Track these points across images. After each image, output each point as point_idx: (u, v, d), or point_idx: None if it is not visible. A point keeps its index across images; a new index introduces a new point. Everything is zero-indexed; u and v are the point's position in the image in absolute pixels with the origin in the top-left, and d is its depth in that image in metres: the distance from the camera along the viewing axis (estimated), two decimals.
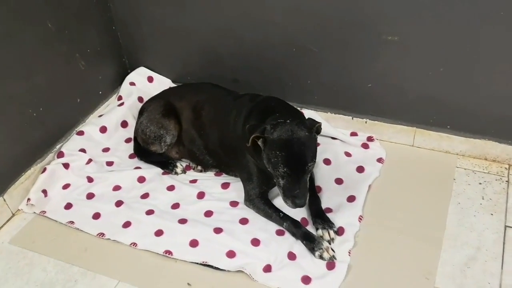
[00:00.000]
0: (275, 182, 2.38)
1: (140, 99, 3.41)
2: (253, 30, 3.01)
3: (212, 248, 2.48)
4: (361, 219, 2.57)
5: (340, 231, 2.51)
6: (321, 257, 2.37)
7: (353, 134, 3.14)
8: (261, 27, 2.97)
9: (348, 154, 2.98)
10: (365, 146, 3.02)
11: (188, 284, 2.34)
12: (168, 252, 2.48)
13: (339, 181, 2.81)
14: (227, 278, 2.35)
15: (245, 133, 2.39)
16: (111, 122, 3.25)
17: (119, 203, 2.77)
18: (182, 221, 2.63)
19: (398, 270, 2.32)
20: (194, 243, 2.51)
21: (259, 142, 2.32)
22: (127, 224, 2.65)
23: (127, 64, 3.60)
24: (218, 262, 2.40)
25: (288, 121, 2.29)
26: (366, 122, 3.05)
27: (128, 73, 3.49)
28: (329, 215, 2.58)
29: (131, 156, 3.11)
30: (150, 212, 2.70)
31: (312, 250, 2.38)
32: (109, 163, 3.06)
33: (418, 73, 2.76)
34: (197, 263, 2.43)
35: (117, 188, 2.88)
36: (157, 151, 2.94)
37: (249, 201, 2.62)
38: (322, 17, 2.78)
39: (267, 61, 3.10)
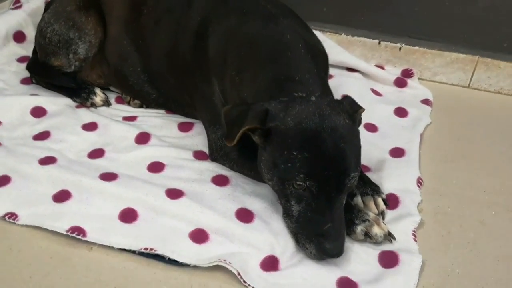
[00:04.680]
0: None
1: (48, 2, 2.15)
2: None
3: (162, 225, 1.30)
4: (420, 183, 1.47)
5: (391, 201, 1.39)
6: (367, 235, 1.27)
7: (378, 67, 2.04)
8: None
9: (376, 93, 1.90)
10: (400, 83, 1.96)
11: None
12: (78, 230, 1.27)
13: (371, 127, 1.72)
14: (191, 280, 1.19)
15: (213, 51, 1.43)
16: None
17: None
18: (108, 176, 1.43)
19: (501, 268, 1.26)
20: (128, 215, 1.33)
21: (255, 137, 1.23)
22: (2, 181, 1.42)
23: None
24: (175, 250, 1.24)
25: (313, 96, 1.23)
26: (400, 48, 1.99)
27: None
28: (367, 174, 1.46)
29: (24, 81, 1.87)
30: (47, 161, 1.48)
31: (351, 223, 1.27)
32: None
33: None
34: (134, 252, 1.23)
35: None
36: (63, 69, 1.74)
37: (221, 156, 1.45)
38: None
39: None
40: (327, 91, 1.37)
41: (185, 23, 1.54)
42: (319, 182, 1.16)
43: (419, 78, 2.02)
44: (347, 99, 1.31)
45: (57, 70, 1.75)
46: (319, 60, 1.45)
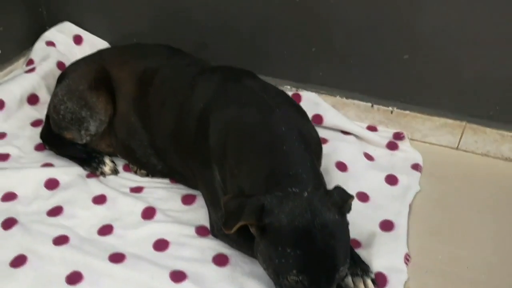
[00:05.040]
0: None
1: (60, 65, 2.28)
2: None
3: None
4: (408, 259, 1.54)
5: (379, 280, 1.48)
6: None
7: (371, 129, 2.12)
8: None
9: (369, 157, 1.97)
10: (392, 146, 2.02)
11: None
12: None
13: (363, 196, 1.79)
14: None
15: (212, 139, 1.51)
16: (13, 95, 2.12)
17: (10, 223, 1.62)
18: (117, 257, 1.51)
19: None
20: None
21: (252, 229, 1.31)
22: (19, 261, 1.51)
23: (44, 17, 2.49)
24: None
25: (305, 192, 1.28)
26: (392, 112, 2.05)
27: (45, 30, 2.44)
28: (357, 251, 1.55)
29: (38, 148, 1.95)
30: (61, 240, 1.56)
31: None
32: (3, 157, 1.90)
33: (487, 42, 1.81)
34: None
35: (9, 197, 1.73)
36: (75, 140, 1.80)
37: (221, 235, 1.57)
38: None
39: (251, 18, 2.09)
40: (319, 182, 1.42)
41: (188, 108, 1.61)
42: (311, 277, 1.23)
43: (410, 139, 2.08)
44: (337, 189, 1.37)
45: (68, 141, 1.84)
46: (312, 148, 1.51)
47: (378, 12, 1.88)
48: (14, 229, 1.58)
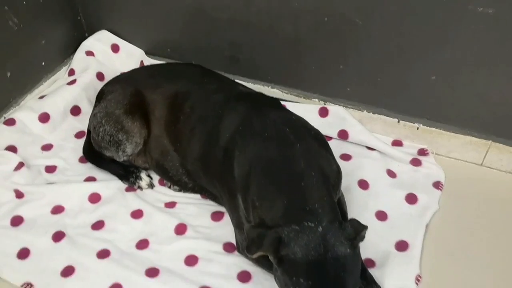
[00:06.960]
0: None
1: (100, 76, 2.57)
2: None
3: None
4: (419, 280, 1.78)
5: None
6: None
7: (397, 143, 2.33)
8: None
9: (391, 174, 2.17)
10: (415, 162, 2.22)
11: None
12: None
13: (381, 215, 2.01)
14: None
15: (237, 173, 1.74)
16: (57, 107, 2.43)
17: (59, 236, 1.94)
18: (152, 272, 1.81)
19: None
20: None
21: (270, 257, 1.54)
22: (68, 272, 1.83)
23: (84, 25, 2.77)
24: None
25: (320, 227, 1.50)
26: (418, 128, 2.24)
27: (84, 38, 2.73)
28: (371, 270, 1.78)
29: (82, 160, 2.26)
30: (103, 254, 1.87)
31: None
32: (50, 169, 2.22)
33: None
34: None
35: (58, 209, 2.05)
36: (113, 158, 2.11)
37: (245, 253, 1.81)
38: None
39: (283, 34, 2.28)
40: (335, 215, 1.61)
41: (215, 136, 1.85)
42: None
43: (435, 153, 2.27)
44: (351, 222, 1.59)
45: (108, 157, 2.13)
46: (331, 181, 1.72)
47: (406, 36, 2.03)
48: (63, 242, 1.90)
